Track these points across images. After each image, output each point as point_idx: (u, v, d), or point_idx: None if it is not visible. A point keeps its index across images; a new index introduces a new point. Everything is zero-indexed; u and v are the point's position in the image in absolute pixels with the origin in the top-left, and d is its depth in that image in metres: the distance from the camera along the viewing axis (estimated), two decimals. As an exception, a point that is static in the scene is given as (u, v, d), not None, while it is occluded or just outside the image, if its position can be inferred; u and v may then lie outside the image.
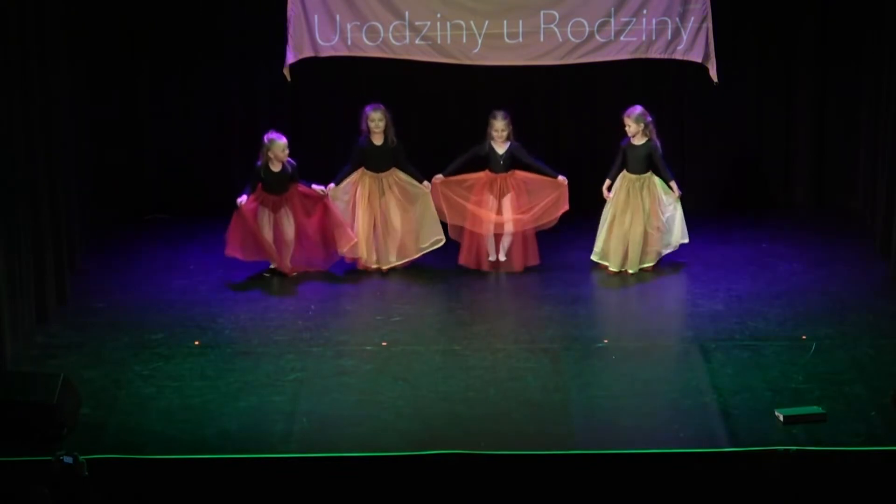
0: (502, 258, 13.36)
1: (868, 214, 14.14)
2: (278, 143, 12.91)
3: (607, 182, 13.19)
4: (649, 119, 13.02)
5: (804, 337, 11.63)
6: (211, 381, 10.99)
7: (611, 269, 13.22)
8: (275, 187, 13.00)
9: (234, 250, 12.96)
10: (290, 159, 13.02)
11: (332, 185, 13.15)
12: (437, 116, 14.63)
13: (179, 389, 10.84)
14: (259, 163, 12.96)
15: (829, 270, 13.17)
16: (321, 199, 13.05)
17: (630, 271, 13.16)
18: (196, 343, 11.68)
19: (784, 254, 13.64)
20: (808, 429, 10.03)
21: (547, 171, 13.20)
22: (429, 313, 12.46)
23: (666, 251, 13.26)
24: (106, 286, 12.98)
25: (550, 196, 13.17)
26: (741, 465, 9.66)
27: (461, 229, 13.31)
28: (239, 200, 12.87)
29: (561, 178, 13.15)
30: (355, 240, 13.11)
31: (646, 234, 13.12)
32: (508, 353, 11.53)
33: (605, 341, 11.68)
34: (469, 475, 9.66)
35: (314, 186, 13.06)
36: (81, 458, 8.92)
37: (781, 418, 10.15)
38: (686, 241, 13.25)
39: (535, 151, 13.41)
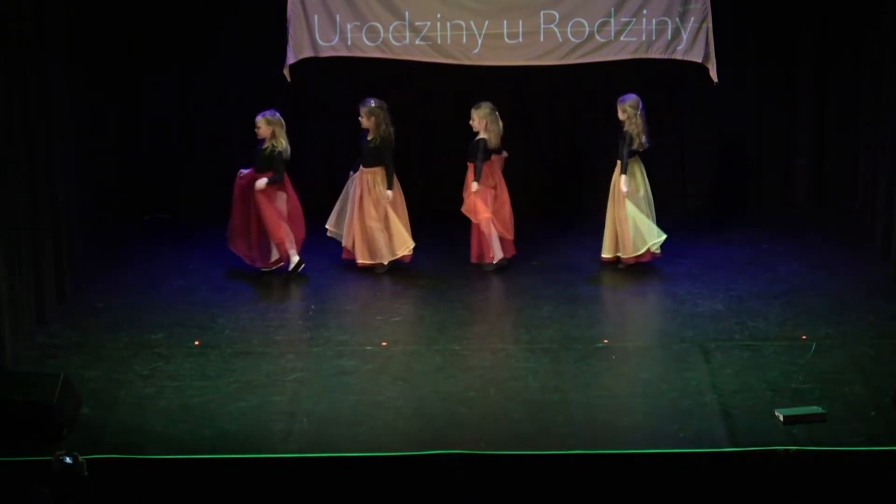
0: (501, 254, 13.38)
1: (868, 214, 14.14)
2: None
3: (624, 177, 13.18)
4: (637, 110, 12.98)
5: (804, 337, 11.63)
6: (211, 381, 10.99)
7: (605, 256, 13.27)
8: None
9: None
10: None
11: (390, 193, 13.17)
12: (437, 116, 14.62)
13: (179, 389, 10.84)
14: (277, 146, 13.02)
15: (829, 270, 13.17)
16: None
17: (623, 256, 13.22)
18: (196, 343, 11.68)
19: (784, 254, 13.64)
20: (808, 429, 10.03)
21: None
22: (429, 313, 12.46)
23: (641, 251, 13.21)
24: (106, 286, 12.98)
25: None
26: (741, 465, 9.66)
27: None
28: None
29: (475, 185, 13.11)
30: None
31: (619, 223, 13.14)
32: (508, 353, 11.53)
33: (605, 341, 11.68)
34: (469, 475, 9.66)
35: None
36: (81, 458, 8.91)
37: (781, 418, 10.15)
38: (654, 240, 13.17)
39: (533, 151, 13.41)
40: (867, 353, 11.34)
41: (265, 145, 12.97)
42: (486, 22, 13.39)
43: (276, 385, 10.91)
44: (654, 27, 13.41)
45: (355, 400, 10.70)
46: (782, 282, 12.93)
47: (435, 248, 13.54)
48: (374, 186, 13.13)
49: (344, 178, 13.37)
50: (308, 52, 13.57)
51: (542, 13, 13.40)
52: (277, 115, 13.03)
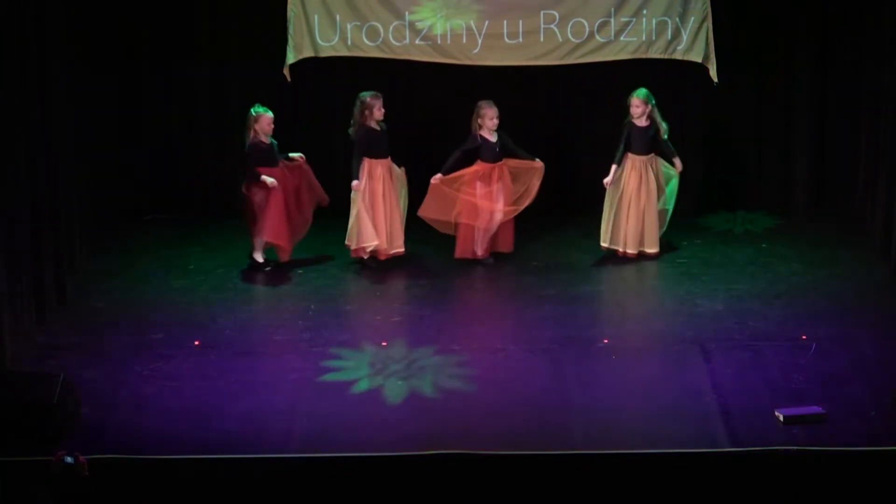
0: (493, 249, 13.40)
1: (868, 215, 14.13)
2: (267, 116, 13.02)
3: (613, 168, 13.25)
4: (654, 101, 13.11)
5: (804, 337, 11.63)
6: (211, 381, 10.99)
7: (630, 252, 13.31)
8: (269, 160, 13.05)
9: (274, 237, 13.10)
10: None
11: (356, 182, 13.13)
12: (437, 116, 14.62)
13: (179, 389, 10.83)
14: (251, 141, 13.02)
15: (829, 270, 13.16)
16: (300, 165, 13.17)
17: (650, 251, 13.25)
18: (196, 343, 11.68)
19: (784, 254, 13.63)
20: (808, 429, 10.03)
21: (527, 156, 13.31)
22: (429, 313, 12.45)
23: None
24: (106, 286, 12.97)
25: (531, 181, 13.27)
26: (741, 465, 9.66)
27: (455, 225, 13.35)
28: (271, 182, 12.93)
29: (538, 161, 13.22)
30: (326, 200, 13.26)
31: (660, 213, 13.24)
32: (508, 353, 11.53)
33: (606, 341, 11.68)
34: (469, 475, 9.65)
35: (293, 155, 13.18)
36: (82, 458, 8.91)
37: (781, 418, 10.15)
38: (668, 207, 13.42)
39: (534, 151, 13.42)
40: (867, 353, 11.33)
41: (269, 142, 13.12)
42: (486, 22, 13.40)
43: (276, 385, 10.91)
44: (654, 27, 13.42)
45: (355, 400, 10.69)
46: (782, 282, 12.92)
47: (435, 248, 13.53)
48: (394, 174, 13.24)
49: (342, 178, 13.38)
50: (308, 52, 13.58)
51: (542, 13, 13.40)
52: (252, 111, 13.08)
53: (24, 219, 11.54)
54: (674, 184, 13.35)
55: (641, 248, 13.34)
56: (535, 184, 13.31)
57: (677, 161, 13.32)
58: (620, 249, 13.36)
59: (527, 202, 13.33)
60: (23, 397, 10.06)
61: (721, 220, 13.97)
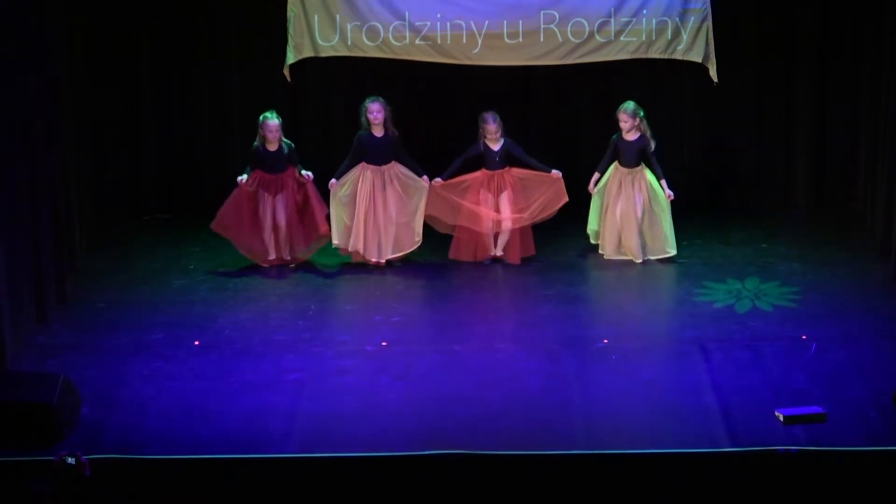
0: (499, 253, 13.40)
1: (868, 214, 14.14)
2: (268, 123, 13.02)
3: (595, 175, 13.29)
4: (642, 114, 13.11)
5: (804, 337, 11.63)
6: (211, 381, 10.99)
7: (606, 256, 13.38)
8: (270, 166, 13.08)
9: (220, 228, 13.12)
10: (287, 141, 13.14)
11: (333, 181, 13.18)
12: (436, 116, 14.64)
13: (179, 389, 10.83)
14: (255, 143, 13.06)
15: (829, 270, 13.16)
16: (304, 184, 13.15)
17: (652, 258, 13.30)
18: (196, 343, 11.68)
19: (784, 254, 13.63)
20: (808, 429, 10.03)
21: (540, 167, 13.27)
22: (429, 313, 12.46)
23: (665, 253, 13.32)
24: (106, 286, 12.98)
25: (547, 192, 13.24)
26: (741, 465, 9.66)
27: (454, 227, 13.36)
28: (239, 179, 13.04)
29: (555, 172, 13.22)
30: (324, 230, 13.18)
31: (648, 222, 13.17)
32: (508, 353, 11.53)
33: (605, 341, 11.68)
34: (469, 475, 9.65)
35: (303, 172, 13.14)
36: (83, 458, 8.91)
37: (781, 418, 10.15)
38: (673, 252, 13.30)
39: (534, 151, 13.42)
40: (867, 353, 11.33)
41: (275, 149, 13.16)
42: (486, 22, 13.40)
43: (276, 385, 10.91)
44: (654, 27, 13.41)
45: (355, 400, 10.70)
46: (782, 282, 12.92)
47: (435, 248, 13.53)
48: (393, 181, 13.23)
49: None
50: (308, 52, 13.58)
51: (541, 13, 13.39)
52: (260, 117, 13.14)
53: (24, 219, 11.53)
54: (665, 221, 13.31)
55: (624, 256, 13.37)
56: (551, 195, 13.24)
57: (665, 186, 13.22)
58: (603, 254, 13.43)
59: (546, 214, 13.30)
60: (23, 397, 10.06)
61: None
